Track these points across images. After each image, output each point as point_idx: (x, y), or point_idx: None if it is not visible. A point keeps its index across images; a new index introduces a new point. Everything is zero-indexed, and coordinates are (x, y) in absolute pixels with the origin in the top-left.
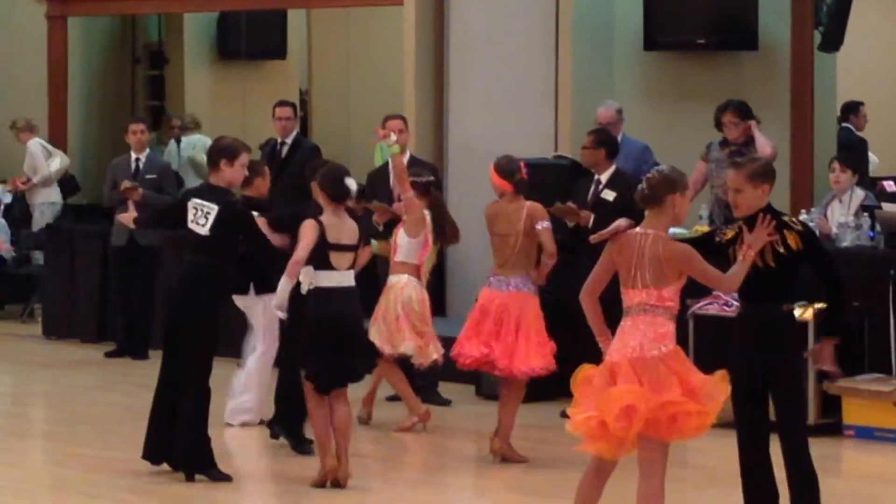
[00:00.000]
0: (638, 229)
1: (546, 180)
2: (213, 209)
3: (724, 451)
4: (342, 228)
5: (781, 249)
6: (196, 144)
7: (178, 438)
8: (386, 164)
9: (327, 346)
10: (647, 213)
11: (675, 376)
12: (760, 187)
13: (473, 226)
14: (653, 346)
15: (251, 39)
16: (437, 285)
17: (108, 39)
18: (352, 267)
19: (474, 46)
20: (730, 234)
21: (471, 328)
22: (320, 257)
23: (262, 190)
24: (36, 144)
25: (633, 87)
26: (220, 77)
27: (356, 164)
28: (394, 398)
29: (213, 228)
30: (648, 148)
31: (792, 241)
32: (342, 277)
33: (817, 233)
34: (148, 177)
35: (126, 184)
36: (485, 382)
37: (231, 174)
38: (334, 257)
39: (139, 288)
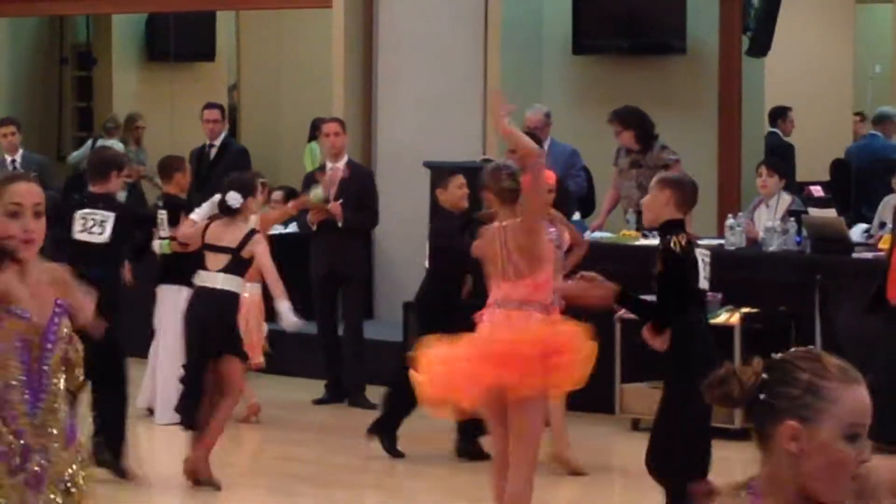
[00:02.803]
0: (498, 223)
1: (475, 184)
2: (109, 216)
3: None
4: (225, 231)
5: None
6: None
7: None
8: (323, 167)
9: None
10: (504, 207)
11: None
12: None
13: (402, 228)
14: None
15: (180, 41)
16: (366, 290)
17: (36, 40)
18: (227, 270)
19: (403, 49)
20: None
21: None
22: (199, 256)
23: (183, 185)
24: None
25: (561, 91)
26: (148, 78)
27: (285, 166)
28: (320, 402)
29: (112, 235)
30: (576, 152)
31: (660, 263)
32: (208, 277)
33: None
34: None
35: None
36: None
37: (117, 184)
38: (209, 257)
39: None
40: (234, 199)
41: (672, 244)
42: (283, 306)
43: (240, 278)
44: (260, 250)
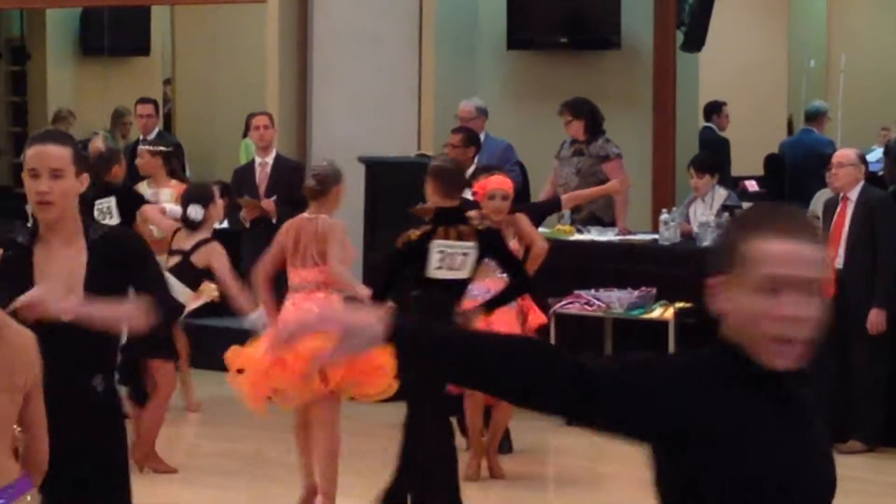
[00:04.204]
0: (305, 215)
1: (408, 180)
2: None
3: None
4: (187, 239)
5: None
6: None
7: None
8: (252, 162)
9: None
10: (312, 203)
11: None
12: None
13: None
14: None
15: (114, 35)
16: None
17: None
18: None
19: (338, 44)
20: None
21: None
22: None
23: (120, 175)
24: None
25: (496, 86)
26: (82, 73)
27: (220, 160)
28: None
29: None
30: (511, 147)
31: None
32: None
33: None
34: None
35: None
36: None
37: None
38: (169, 261)
39: None
40: (195, 212)
41: (409, 235)
42: (253, 316)
43: (185, 287)
44: (216, 263)
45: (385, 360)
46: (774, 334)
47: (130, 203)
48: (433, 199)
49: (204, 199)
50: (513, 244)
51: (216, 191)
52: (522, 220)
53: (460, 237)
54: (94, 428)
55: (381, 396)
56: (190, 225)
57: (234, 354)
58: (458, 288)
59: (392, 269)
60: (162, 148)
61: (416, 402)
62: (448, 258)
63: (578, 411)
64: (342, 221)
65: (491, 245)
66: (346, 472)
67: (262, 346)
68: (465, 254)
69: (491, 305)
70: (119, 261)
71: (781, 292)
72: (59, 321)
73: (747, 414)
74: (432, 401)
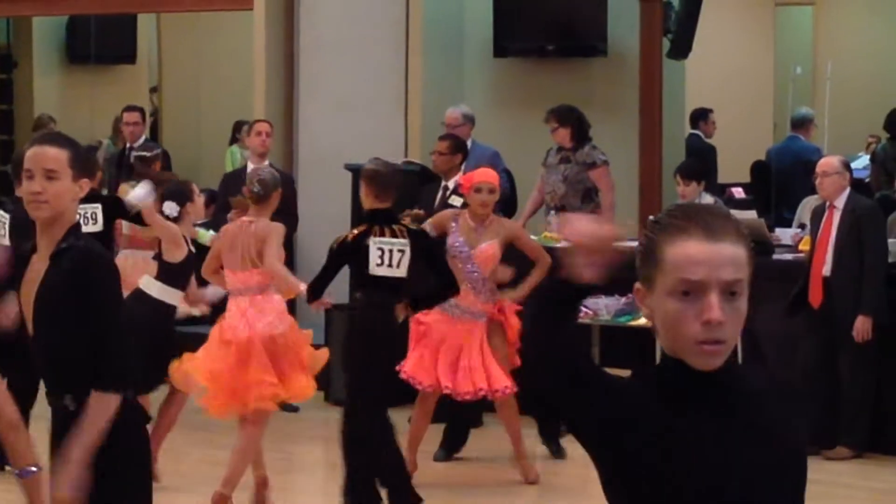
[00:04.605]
0: (245, 219)
1: (396, 186)
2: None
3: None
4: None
5: None
6: None
7: None
8: (243, 168)
9: None
10: (254, 207)
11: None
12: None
13: (324, 231)
14: (279, 324)
15: (101, 44)
16: None
17: None
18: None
19: (325, 52)
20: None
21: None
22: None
23: (95, 182)
24: None
25: (482, 94)
26: (69, 81)
27: (206, 168)
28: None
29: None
30: (498, 154)
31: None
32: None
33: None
34: None
35: None
36: (334, 389)
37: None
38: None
39: None
40: (170, 208)
41: (341, 237)
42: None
43: (173, 289)
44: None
45: (308, 359)
46: (697, 338)
47: (115, 211)
48: (366, 201)
49: (181, 196)
50: (491, 245)
51: (196, 189)
52: (523, 233)
53: (395, 236)
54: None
55: (300, 399)
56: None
57: (194, 366)
58: (397, 286)
59: (328, 268)
60: (143, 154)
61: (355, 395)
62: (387, 255)
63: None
64: (281, 225)
65: (421, 245)
66: (332, 480)
67: (218, 354)
68: (401, 251)
69: (417, 305)
70: (72, 282)
71: (699, 295)
72: (25, 340)
73: (676, 425)
74: (370, 393)
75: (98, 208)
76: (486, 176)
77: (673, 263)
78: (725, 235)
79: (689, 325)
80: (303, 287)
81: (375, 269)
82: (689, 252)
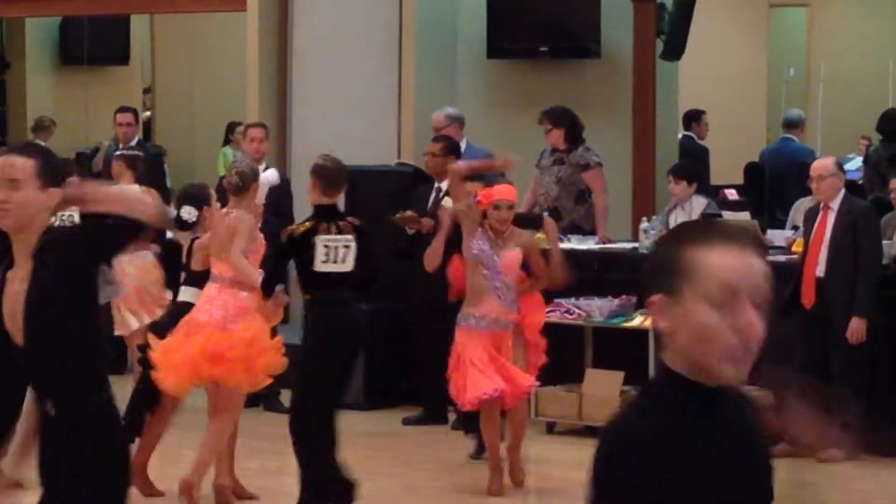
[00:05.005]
0: (223, 210)
1: (389, 188)
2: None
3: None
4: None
5: None
6: None
7: None
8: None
9: None
10: (233, 198)
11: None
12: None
13: None
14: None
15: (94, 45)
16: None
17: None
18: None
19: (318, 53)
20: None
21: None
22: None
23: None
24: None
25: (476, 95)
26: (62, 82)
27: (200, 169)
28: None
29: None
30: (492, 156)
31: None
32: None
33: None
34: None
35: None
36: None
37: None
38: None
39: None
40: (188, 213)
41: (289, 230)
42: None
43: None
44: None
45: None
46: (732, 344)
47: (93, 216)
48: (313, 195)
49: (198, 200)
50: (515, 253)
51: (213, 194)
52: (536, 249)
53: (340, 232)
54: (55, 452)
55: (254, 387)
56: (182, 226)
57: (158, 349)
58: (344, 281)
59: (277, 262)
60: (127, 153)
61: (304, 394)
62: (332, 251)
63: None
64: (251, 217)
65: (364, 242)
66: None
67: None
68: (346, 246)
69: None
70: (60, 257)
71: (735, 305)
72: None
73: (683, 450)
74: (320, 392)
75: (75, 212)
76: (506, 193)
77: (709, 271)
78: (753, 249)
79: (724, 335)
80: (258, 282)
81: (321, 265)
82: (728, 261)
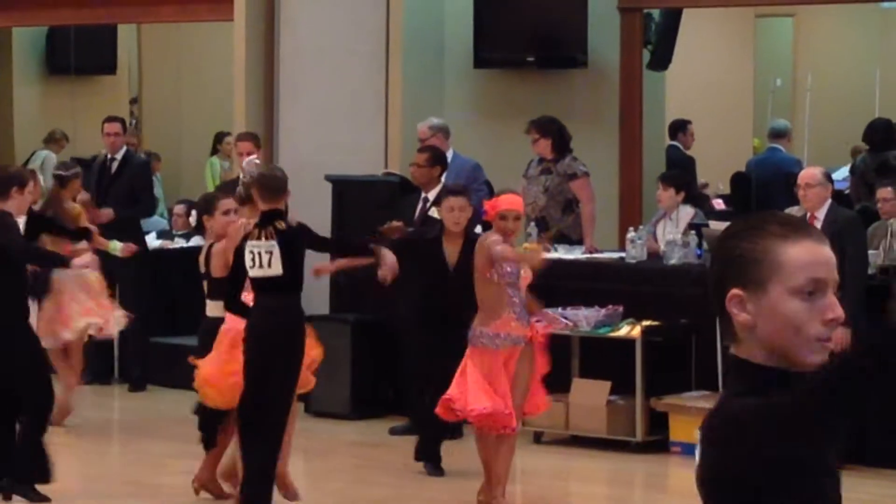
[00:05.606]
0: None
1: (376, 198)
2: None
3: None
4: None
5: None
6: (44, 160)
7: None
8: (235, 180)
9: None
10: (240, 209)
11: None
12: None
13: None
14: None
15: (81, 54)
16: None
17: None
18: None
19: (305, 62)
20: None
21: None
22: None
23: (36, 196)
24: None
25: (462, 105)
26: (49, 92)
27: (187, 179)
28: None
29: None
30: (479, 166)
31: None
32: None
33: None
34: None
35: None
36: (314, 400)
37: (21, 201)
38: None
39: None
40: (195, 219)
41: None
42: None
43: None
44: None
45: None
46: (820, 336)
47: (40, 226)
48: (258, 203)
49: (200, 208)
50: (527, 270)
51: (220, 206)
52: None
53: (267, 238)
54: None
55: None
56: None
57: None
58: (280, 285)
59: (233, 269)
60: (60, 173)
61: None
62: (257, 257)
63: None
64: (239, 227)
65: (295, 241)
66: (314, 490)
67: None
68: (269, 252)
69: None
70: None
71: (820, 294)
72: None
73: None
74: (267, 400)
75: (21, 221)
76: (513, 203)
77: (798, 264)
78: (823, 239)
79: (812, 324)
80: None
81: (251, 271)
82: (815, 252)
